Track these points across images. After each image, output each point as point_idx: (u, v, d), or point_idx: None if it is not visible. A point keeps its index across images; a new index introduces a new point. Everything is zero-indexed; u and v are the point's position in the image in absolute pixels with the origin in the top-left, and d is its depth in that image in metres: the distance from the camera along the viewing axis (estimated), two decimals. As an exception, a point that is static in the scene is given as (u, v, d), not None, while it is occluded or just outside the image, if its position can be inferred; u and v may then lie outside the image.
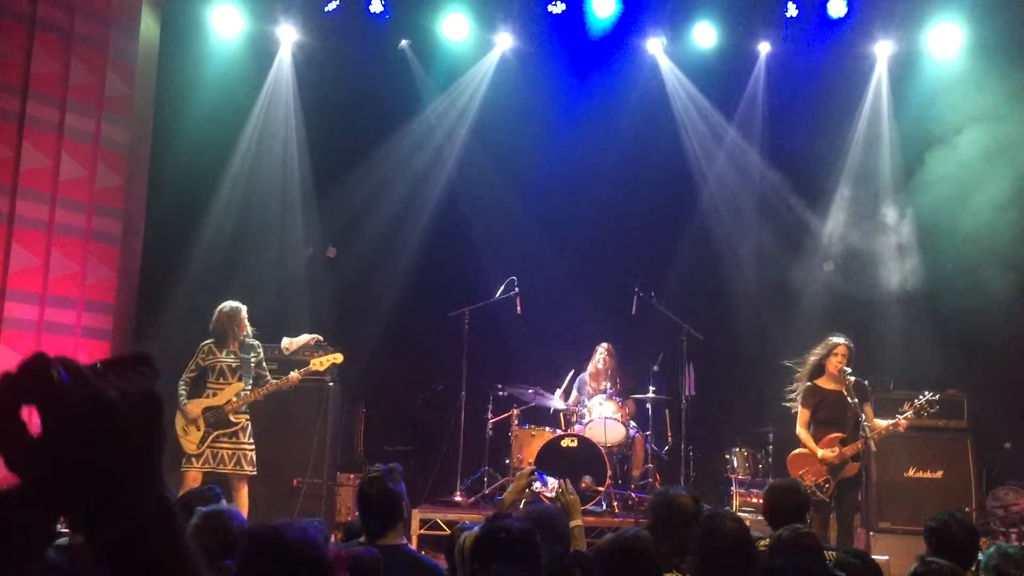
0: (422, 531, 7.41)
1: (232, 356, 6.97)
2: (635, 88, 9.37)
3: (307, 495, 7.58)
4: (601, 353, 8.63)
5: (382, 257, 9.46)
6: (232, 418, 6.86)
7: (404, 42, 9.32)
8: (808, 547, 3.52)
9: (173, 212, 8.70)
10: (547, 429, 8.40)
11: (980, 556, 3.83)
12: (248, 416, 7.00)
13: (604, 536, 3.79)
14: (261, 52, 9.27)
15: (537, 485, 7.02)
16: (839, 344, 6.75)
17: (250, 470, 6.89)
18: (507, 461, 8.48)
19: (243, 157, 9.19)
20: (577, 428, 8.24)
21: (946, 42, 8.73)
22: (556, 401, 8.59)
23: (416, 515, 7.37)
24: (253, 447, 6.98)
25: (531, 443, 8.24)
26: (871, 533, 6.83)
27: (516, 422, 8.49)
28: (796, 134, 9.17)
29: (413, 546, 5.48)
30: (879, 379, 7.43)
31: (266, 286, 8.98)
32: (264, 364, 7.16)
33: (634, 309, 8.37)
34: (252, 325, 7.18)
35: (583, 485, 7.68)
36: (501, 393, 8.58)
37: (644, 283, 8.40)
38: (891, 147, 9.06)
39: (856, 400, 6.45)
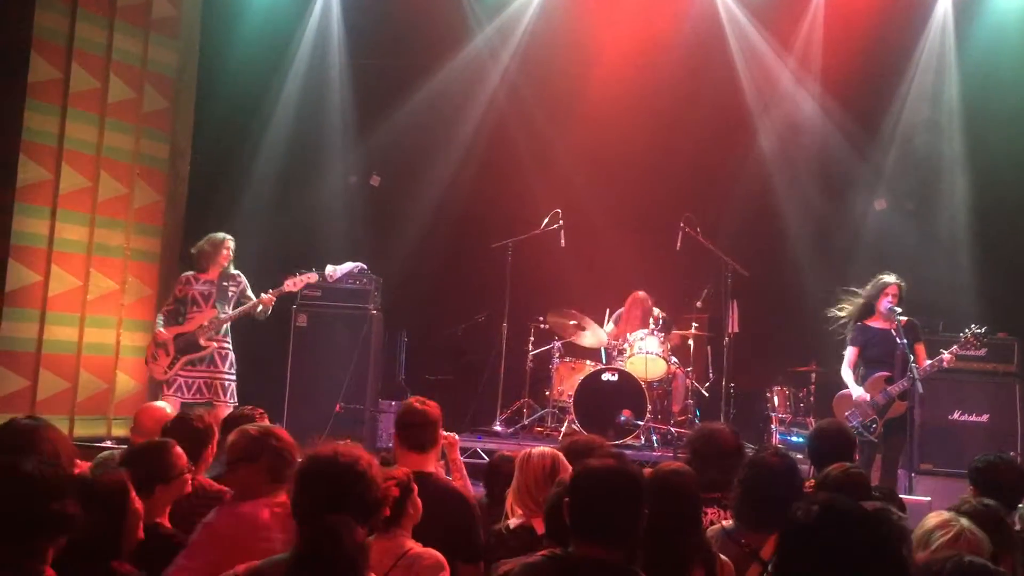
0: (461, 459, 7.45)
1: (208, 284, 6.86)
2: (687, 18, 9.10)
3: (349, 421, 7.68)
4: (633, 304, 8.51)
5: (426, 186, 9.41)
6: (202, 342, 6.72)
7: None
8: (858, 483, 3.49)
9: (220, 137, 8.71)
10: (588, 363, 8.40)
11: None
12: (226, 343, 6.86)
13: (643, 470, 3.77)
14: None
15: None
16: (890, 284, 6.62)
17: (226, 399, 6.73)
18: (547, 393, 8.52)
19: (290, 83, 9.15)
20: (618, 362, 8.22)
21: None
22: (595, 333, 8.55)
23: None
24: (234, 377, 6.86)
25: (571, 376, 8.26)
26: (912, 474, 6.78)
27: (557, 355, 8.50)
28: (855, 68, 8.85)
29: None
30: (928, 321, 7.28)
31: (310, 213, 9.02)
32: (249, 293, 6.96)
33: (679, 244, 8.25)
34: (297, 254, 7.08)
35: (622, 418, 7.70)
36: (543, 326, 8.58)
37: (690, 218, 8.26)
38: (952, 83, 8.73)
39: (905, 340, 6.33)
